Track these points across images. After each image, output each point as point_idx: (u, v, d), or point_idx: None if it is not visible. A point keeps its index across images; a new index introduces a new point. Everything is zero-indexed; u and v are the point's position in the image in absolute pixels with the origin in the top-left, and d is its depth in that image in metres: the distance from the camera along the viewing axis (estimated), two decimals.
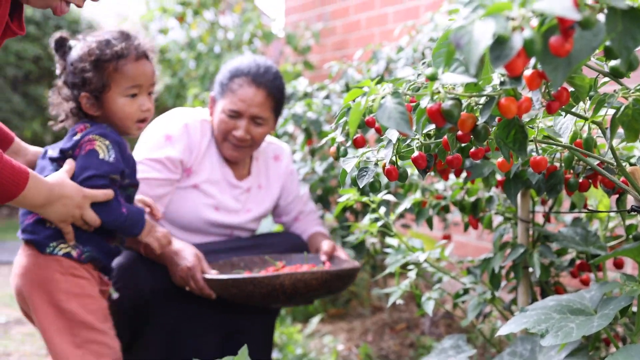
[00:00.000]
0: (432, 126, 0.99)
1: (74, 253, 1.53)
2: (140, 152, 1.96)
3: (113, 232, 1.60)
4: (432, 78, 0.88)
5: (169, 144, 1.97)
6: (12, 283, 1.56)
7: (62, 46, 1.63)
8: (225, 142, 2.04)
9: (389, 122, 0.90)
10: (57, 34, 1.64)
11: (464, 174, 1.58)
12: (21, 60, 5.98)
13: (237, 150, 2.04)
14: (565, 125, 1.07)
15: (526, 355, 1.27)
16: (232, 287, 1.71)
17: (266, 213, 2.22)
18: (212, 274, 1.79)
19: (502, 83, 0.90)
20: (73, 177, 1.52)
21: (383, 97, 0.92)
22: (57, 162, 1.57)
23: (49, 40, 1.66)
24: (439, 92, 0.90)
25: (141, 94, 1.62)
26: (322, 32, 4.19)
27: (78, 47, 1.61)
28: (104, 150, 1.54)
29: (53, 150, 1.60)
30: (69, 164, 1.53)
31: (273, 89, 2.03)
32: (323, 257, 1.98)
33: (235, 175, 2.11)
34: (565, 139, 1.07)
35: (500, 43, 0.70)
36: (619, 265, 1.54)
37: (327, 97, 2.54)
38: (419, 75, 1.02)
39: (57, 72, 1.65)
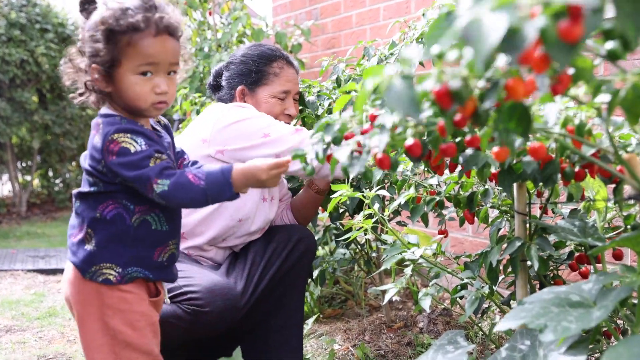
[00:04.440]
0: (429, 112, 0.94)
1: (113, 279, 1.41)
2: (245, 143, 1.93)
3: (165, 241, 1.48)
4: (440, 57, 0.82)
5: None
6: (63, 288, 1.47)
7: (86, 8, 1.42)
8: None
9: (398, 107, 0.83)
10: None
11: (457, 169, 1.55)
12: (6, 65, 5.89)
13: None
14: (551, 112, 1.04)
15: (525, 350, 1.24)
16: None
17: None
18: None
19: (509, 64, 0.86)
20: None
21: (390, 79, 0.85)
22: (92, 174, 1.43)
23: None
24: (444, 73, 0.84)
25: (157, 73, 1.39)
26: (313, 30, 4.16)
27: (96, 13, 1.40)
28: (131, 143, 1.37)
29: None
30: None
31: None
32: None
33: None
34: (550, 125, 1.04)
35: (512, 35, 0.67)
36: (618, 256, 1.52)
37: (318, 93, 2.51)
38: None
39: (80, 37, 1.45)
